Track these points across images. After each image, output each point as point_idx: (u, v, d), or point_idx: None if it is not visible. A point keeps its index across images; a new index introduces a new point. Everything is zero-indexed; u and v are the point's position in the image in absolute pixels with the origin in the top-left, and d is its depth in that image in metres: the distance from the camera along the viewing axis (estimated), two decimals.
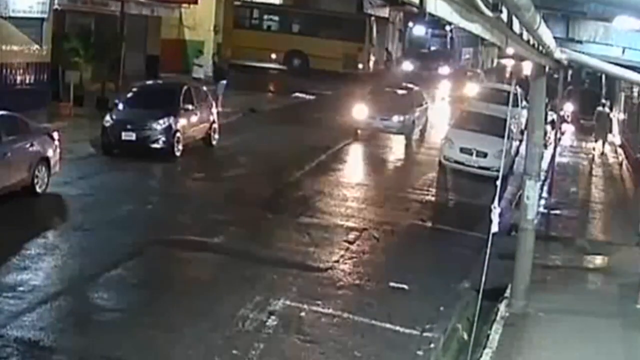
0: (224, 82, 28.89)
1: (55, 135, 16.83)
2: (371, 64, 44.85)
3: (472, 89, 37.14)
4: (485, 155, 21.59)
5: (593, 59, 12.03)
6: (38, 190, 15.84)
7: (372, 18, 45.68)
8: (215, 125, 22.75)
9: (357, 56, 43.12)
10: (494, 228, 9.81)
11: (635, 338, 11.64)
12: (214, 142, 22.59)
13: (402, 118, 26.26)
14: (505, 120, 14.31)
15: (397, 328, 11.60)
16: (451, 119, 29.52)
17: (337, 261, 14.27)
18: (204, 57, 29.46)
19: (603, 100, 33.59)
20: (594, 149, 30.56)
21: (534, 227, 12.94)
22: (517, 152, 23.41)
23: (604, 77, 36.79)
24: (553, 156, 20.89)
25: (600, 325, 12.05)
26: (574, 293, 13.75)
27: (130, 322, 10.93)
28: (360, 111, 26.55)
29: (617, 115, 35.70)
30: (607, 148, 31.25)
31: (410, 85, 29.62)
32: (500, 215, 10.25)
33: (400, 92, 28.34)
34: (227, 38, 39.06)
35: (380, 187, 20.75)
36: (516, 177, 21.03)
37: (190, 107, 21.38)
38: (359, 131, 26.47)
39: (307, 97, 34.98)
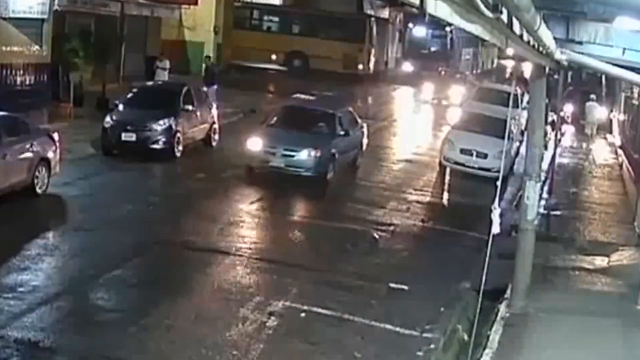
0: (215, 87, 27.04)
1: (55, 136, 16.82)
2: (371, 64, 44.84)
3: (456, 92, 37.15)
4: (485, 156, 21.58)
5: (593, 59, 12.03)
6: (38, 190, 15.84)
7: (372, 19, 45.66)
8: (216, 126, 22.77)
9: (358, 57, 43.07)
10: (495, 229, 9.82)
11: (635, 338, 11.64)
12: (214, 143, 22.60)
13: (314, 153, 19.05)
14: (505, 121, 14.31)
15: (397, 329, 11.60)
16: (435, 123, 29.35)
17: (337, 261, 14.27)
18: (167, 60, 29.26)
19: (592, 95, 33.80)
20: (591, 150, 30.59)
21: (534, 227, 12.97)
22: (517, 152, 23.40)
23: (604, 77, 36.80)
24: (553, 157, 20.90)
25: (600, 325, 12.05)
26: (574, 293, 13.77)
27: (131, 323, 10.92)
28: (255, 141, 19.40)
29: (617, 116, 35.67)
30: (607, 149, 31.24)
31: (336, 103, 24.80)
32: (501, 215, 10.26)
33: (318, 112, 21.12)
34: (227, 39, 39.04)
35: (380, 188, 20.74)
36: (516, 178, 21.04)
37: (190, 108, 21.39)
38: (256, 170, 19.50)
39: (308, 97, 34.92)
